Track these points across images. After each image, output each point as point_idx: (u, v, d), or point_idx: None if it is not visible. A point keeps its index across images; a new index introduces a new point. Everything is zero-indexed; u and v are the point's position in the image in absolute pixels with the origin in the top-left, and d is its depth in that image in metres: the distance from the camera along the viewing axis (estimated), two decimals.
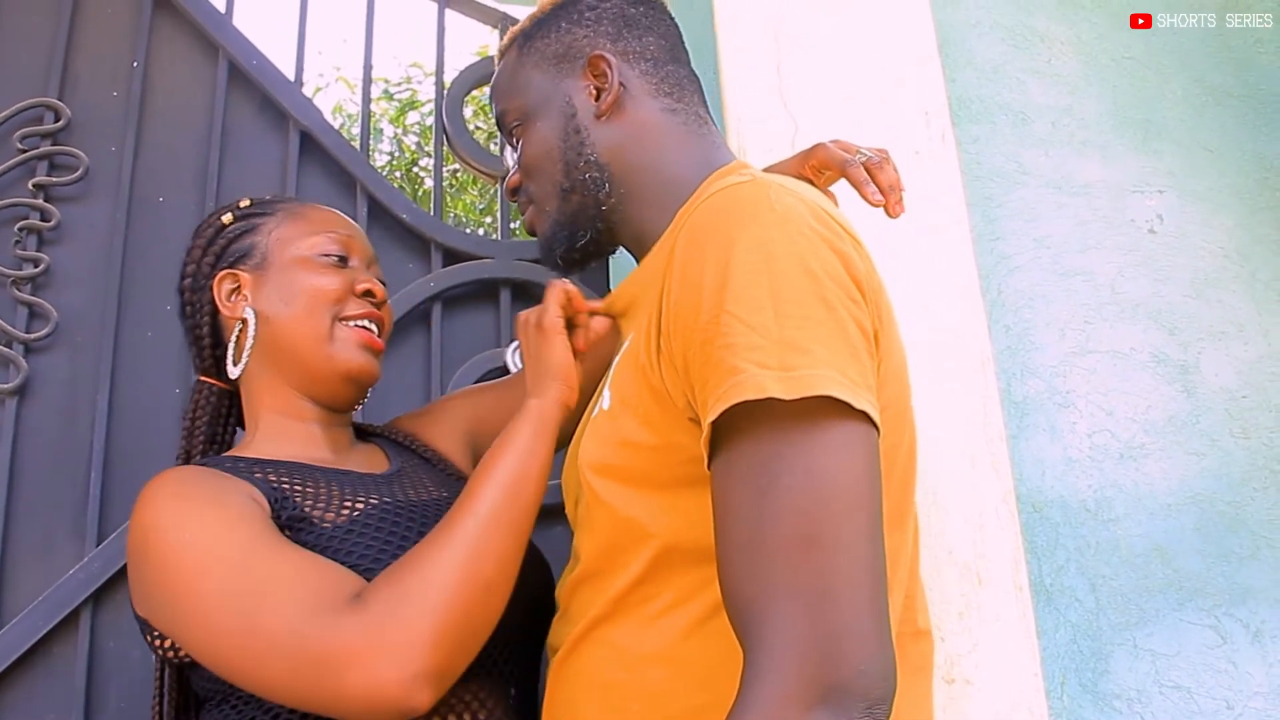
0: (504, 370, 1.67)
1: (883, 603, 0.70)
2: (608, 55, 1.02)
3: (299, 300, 1.12)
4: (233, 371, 1.14)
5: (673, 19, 1.11)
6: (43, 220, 1.59)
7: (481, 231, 5.63)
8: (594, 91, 1.03)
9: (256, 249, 1.16)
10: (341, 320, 1.13)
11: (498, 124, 1.12)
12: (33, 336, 1.54)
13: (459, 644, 0.86)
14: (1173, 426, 1.68)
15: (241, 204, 1.21)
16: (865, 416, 0.73)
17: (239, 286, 1.15)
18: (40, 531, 1.48)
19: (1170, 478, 1.64)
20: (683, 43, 1.10)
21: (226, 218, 1.19)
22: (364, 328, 1.14)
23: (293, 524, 0.97)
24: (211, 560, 0.89)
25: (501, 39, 1.91)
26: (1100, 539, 1.57)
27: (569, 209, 1.03)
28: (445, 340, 1.70)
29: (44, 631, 1.41)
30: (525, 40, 1.08)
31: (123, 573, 1.47)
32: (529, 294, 1.77)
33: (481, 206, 5.86)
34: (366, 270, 1.19)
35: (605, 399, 0.94)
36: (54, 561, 1.47)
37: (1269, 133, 1.97)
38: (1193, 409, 1.70)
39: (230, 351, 1.14)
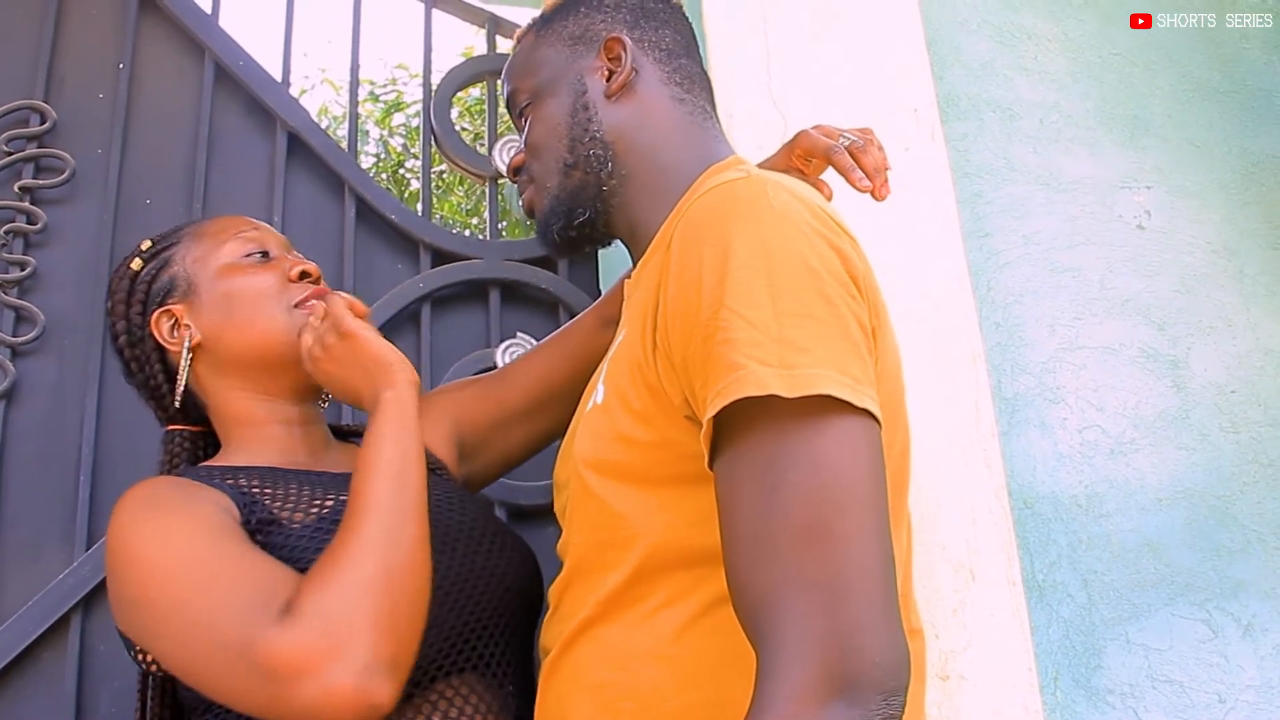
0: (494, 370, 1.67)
1: (894, 595, 0.70)
2: (624, 38, 1.05)
3: (242, 307, 1.10)
4: (175, 400, 1.12)
5: (687, 19, 1.12)
6: (29, 223, 1.58)
7: (467, 233, 5.62)
8: (607, 73, 1.04)
9: (179, 280, 1.14)
10: (294, 308, 1.11)
11: (508, 105, 1.13)
12: (20, 340, 1.52)
13: (394, 630, 0.85)
14: (1163, 422, 1.69)
15: (143, 247, 1.19)
16: (867, 413, 0.73)
17: (177, 321, 1.12)
18: (29, 536, 1.47)
19: (1161, 473, 1.65)
20: (696, 42, 1.12)
21: (135, 264, 1.16)
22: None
23: (263, 527, 0.97)
24: (174, 571, 0.89)
25: (490, 39, 1.92)
26: (1092, 534, 1.57)
27: (570, 185, 1.04)
28: (435, 341, 1.69)
29: (34, 637, 1.40)
30: (543, 24, 1.10)
31: None
32: (518, 294, 1.77)
33: (468, 208, 5.85)
34: (290, 255, 1.17)
35: (599, 393, 0.94)
36: (43, 566, 1.45)
37: (1255, 128, 1.98)
38: (1182, 404, 1.71)
39: (180, 383, 1.12)
